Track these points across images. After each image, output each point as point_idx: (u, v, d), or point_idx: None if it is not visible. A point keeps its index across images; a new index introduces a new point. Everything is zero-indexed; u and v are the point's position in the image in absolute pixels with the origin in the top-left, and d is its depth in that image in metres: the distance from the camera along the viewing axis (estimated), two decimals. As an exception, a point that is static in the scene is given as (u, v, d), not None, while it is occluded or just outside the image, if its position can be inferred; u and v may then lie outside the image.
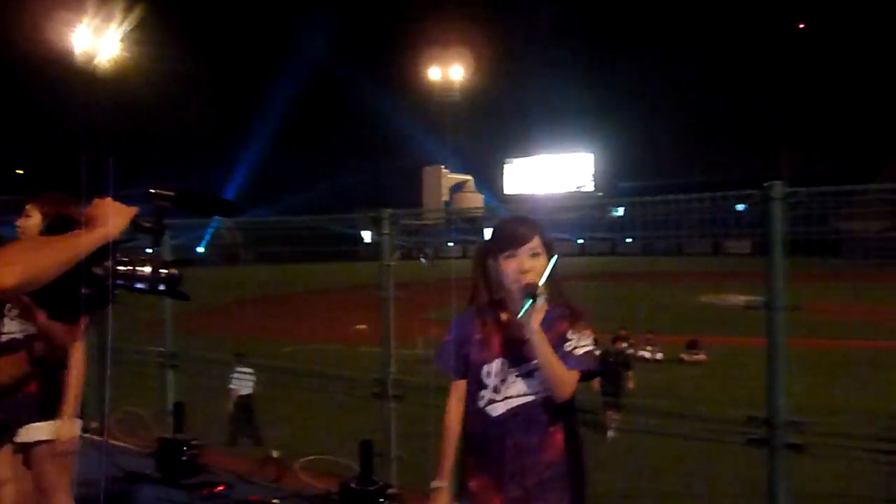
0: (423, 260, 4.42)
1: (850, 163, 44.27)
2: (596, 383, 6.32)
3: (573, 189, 66.75)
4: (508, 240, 2.01)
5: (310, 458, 5.35)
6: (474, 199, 4.36)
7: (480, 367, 2.05)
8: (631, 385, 7.63)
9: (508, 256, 2.00)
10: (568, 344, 1.98)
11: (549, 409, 1.98)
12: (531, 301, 1.89)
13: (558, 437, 1.99)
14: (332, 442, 6.13)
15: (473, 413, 2.08)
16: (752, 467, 3.35)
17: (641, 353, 11.22)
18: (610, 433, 6.75)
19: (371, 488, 3.82)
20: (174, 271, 1.48)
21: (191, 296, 1.49)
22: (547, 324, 1.99)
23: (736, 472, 5.35)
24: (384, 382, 4.12)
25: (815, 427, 3.06)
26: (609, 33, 67.67)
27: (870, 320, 12.69)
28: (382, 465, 4.06)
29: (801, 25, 61.53)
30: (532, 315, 1.90)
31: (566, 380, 1.94)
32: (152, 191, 1.44)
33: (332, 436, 6.57)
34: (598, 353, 2.04)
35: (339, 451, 5.19)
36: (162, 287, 1.46)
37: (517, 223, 2.08)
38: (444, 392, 2.21)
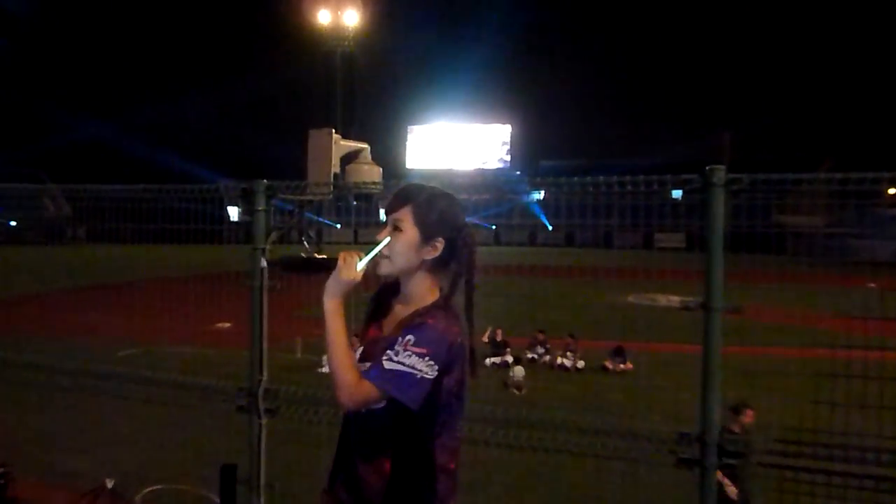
0: (305, 244, 4.37)
1: (793, 152, 47.43)
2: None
3: (490, 165, 67.60)
4: (385, 208, 2.06)
5: (155, 487, 5.18)
6: (371, 173, 4.34)
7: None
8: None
9: (383, 225, 2.04)
10: (389, 352, 1.90)
11: (384, 426, 1.96)
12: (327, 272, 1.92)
13: (385, 466, 1.98)
14: (185, 468, 5.97)
15: None
16: (679, 488, 3.55)
17: (561, 360, 11.60)
18: None
19: (233, 523, 3.74)
20: None
21: (1, 282, 1.41)
22: (408, 321, 1.99)
23: (661, 496, 5.67)
24: (253, 393, 4.04)
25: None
26: (535, -14, 69.03)
27: (806, 326, 13.69)
28: (248, 495, 3.99)
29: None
30: (333, 290, 1.92)
31: (349, 385, 1.87)
32: None
33: (185, 460, 6.40)
34: (418, 379, 1.87)
35: (194, 478, 5.06)
36: None
37: (397, 190, 2.08)
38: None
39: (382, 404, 1.92)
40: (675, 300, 17.00)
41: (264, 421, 4.03)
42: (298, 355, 10.37)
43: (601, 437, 3.60)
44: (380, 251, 1.98)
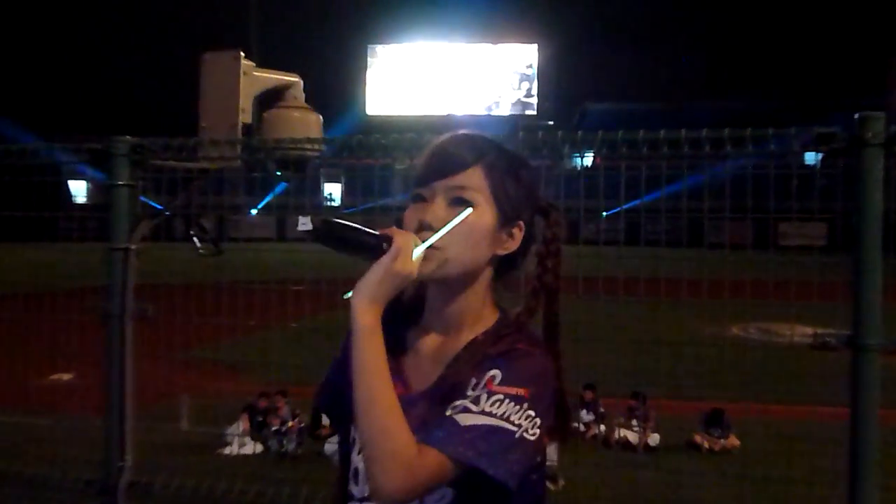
0: (197, 241, 4.37)
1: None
2: None
3: (503, 110, 67.77)
4: (421, 170, 1.98)
5: None
6: (304, 123, 4.33)
7: (350, 426, 2.02)
8: None
9: (414, 198, 1.97)
10: (458, 402, 1.83)
11: None
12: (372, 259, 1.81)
13: None
14: None
15: None
16: None
17: (622, 433, 11.62)
18: None
19: None
20: None
21: None
22: (467, 355, 1.94)
23: None
24: (110, 489, 4.05)
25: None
26: None
27: None
28: None
29: None
30: (375, 291, 1.80)
31: (404, 455, 1.73)
32: None
33: None
34: (516, 440, 1.77)
35: None
36: None
37: (449, 142, 2.00)
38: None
39: (445, 492, 1.86)
40: (806, 333, 17.03)
41: (128, 532, 4.04)
42: (185, 425, 10.36)
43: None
44: (446, 233, 1.90)
